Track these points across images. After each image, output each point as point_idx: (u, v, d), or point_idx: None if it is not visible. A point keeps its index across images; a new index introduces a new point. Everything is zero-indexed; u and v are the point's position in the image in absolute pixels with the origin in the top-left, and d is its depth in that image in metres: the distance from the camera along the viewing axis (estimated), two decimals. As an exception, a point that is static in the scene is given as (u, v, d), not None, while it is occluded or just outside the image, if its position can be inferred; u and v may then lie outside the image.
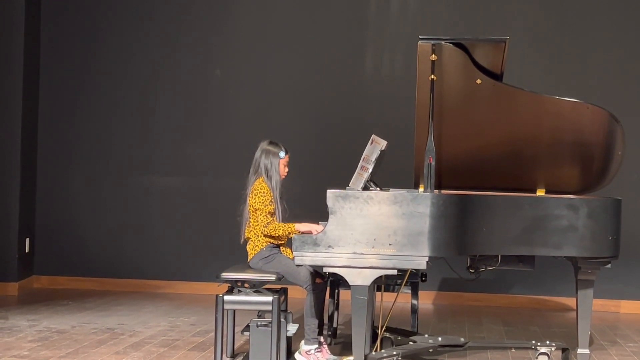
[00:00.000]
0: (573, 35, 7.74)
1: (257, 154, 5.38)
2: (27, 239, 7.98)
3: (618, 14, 7.70)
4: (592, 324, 5.78)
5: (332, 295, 5.91)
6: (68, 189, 8.15)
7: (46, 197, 8.14)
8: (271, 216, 5.28)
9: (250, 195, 5.31)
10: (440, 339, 5.45)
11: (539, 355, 5.36)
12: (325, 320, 5.78)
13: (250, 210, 5.32)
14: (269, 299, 5.08)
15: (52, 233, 8.13)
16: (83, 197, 8.14)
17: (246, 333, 5.20)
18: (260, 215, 5.25)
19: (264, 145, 5.40)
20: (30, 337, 5.94)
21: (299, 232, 5.11)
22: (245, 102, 8.04)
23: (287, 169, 5.42)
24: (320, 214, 5.09)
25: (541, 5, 7.79)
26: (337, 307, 6.01)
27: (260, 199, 5.26)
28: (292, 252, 4.91)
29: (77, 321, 6.52)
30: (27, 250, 7.96)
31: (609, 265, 5.31)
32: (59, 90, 8.17)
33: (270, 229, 5.23)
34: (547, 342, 5.43)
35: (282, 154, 5.36)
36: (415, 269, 5.10)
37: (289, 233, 5.17)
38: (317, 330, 5.26)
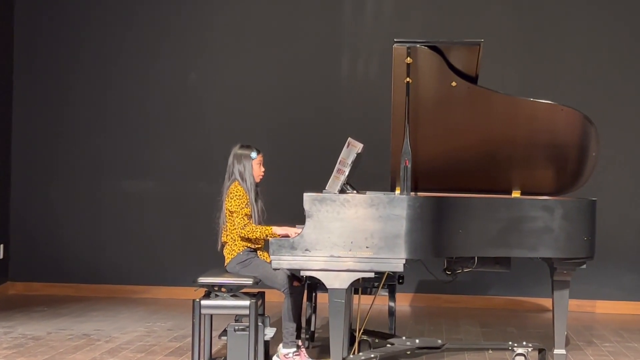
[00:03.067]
0: (547, 38, 7.79)
1: (230, 159, 5.39)
2: (2, 245, 7.91)
3: (591, 16, 7.76)
4: (568, 324, 5.82)
5: (309, 299, 5.91)
6: (43, 193, 8.09)
7: (21, 202, 8.08)
8: (248, 218, 5.27)
9: (227, 199, 5.31)
10: (417, 341, 5.46)
11: (515, 356, 5.38)
12: (303, 324, 5.77)
13: (227, 214, 5.31)
14: (246, 303, 5.07)
15: (27, 239, 8.07)
16: (58, 202, 8.09)
17: (224, 337, 5.18)
18: (237, 217, 5.25)
19: (235, 150, 5.41)
20: (5, 344, 5.88)
21: (277, 235, 5.10)
22: (221, 106, 8.02)
23: (262, 168, 5.42)
24: (297, 217, 5.08)
25: (515, 9, 7.83)
26: (314, 311, 6.00)
27: (237, 201, 5.26)
28: (269, 256, 4.90)
29: (53, 327, 6.47)
30: (1, 256, 7.89)
31: (584, 266, 5.35)
32: (33, 94, 8.11)
33: (248, 231, 5.22)
34: (524, 343, 5.45)
35: (253, 154, 5.37)
36: (393, 272, 5.11)
37: (266, 236, 5.16)
38: (295, 333, 5.26)
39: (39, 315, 6.97)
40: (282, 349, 5.26)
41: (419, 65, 5.05)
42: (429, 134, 5.33)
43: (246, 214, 5.26)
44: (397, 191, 5.38)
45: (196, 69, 8.04)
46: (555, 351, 5.42)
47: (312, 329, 5.98)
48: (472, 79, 5.21)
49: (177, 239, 7.98)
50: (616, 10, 7.73)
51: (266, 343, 5.27)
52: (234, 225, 5.27)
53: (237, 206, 5.25)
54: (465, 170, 5.52)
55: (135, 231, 8.03)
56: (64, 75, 8.10)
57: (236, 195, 5.27)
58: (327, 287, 4.79)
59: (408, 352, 5.41)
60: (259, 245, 5.37)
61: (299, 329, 5.37)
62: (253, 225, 5.26)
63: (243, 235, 5.24)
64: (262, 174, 5.43)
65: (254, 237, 5.23)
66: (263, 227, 5.23)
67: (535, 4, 7.81)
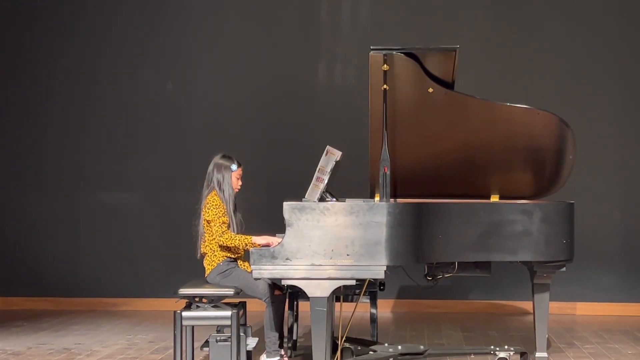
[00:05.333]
0: (522, 42, 7.84)
1: (210, 167, 5.38)
2: (-21, 260, 7.85)
3: (566, 21, 7.82)
4: (549, 327, 5.84)
5: (291, 307, 5.90)
6: (20, 207, 8.03)
7: (-3, 217, 8.03)
8: (226, 227, 5.25)
9: (204, 209, 5.29)
10: (400, 347, 5.47)
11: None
12: (285, 333, 5.75)
13: (204, 224, 5.29)
14: (228, 313, 5.05)
15: (4, 253, 8.00)
16: (36, 214, 8.02)
17: (205, 349, 5.17)
18: (215, 226, 5.23)
19: (216, 159, 5.39)
20: (-15, 360, 5.83)
21: (256, 244, 5.09)
22: (198, 116, 8.01)
23: (240, 182, 5.41)
24: (277, 226, 5.07)
25: (490, 14, 7.88)
26: (296, 319, 5.99)
27: (214, 211, 5.24)
28: (249, 265, 4.89)
29: (33, 342, 6.42)
30: (-21, 272, 7.83)
31: (564, 269, 5.38)
32: (9, 105, 8.06)
33: (226, 239, 5.20)
34: (506, 347, 5.48)
35: (234, 167, 5.35)
36: (374, 279, 5.11)
37: (246, 245, 5.15)
38: (277, 342, 5.25)
39: (18, 330, 6.91)
40: (265, 359, 5.25)
41: (395, 72, 5.06)
42: (407, 141, 5.35)
43: (224, 222, 5.25)
44: (377, 198, 5.39)
45: (174, 79, 8.02)
46: (537, 354, 5.45)
47: (295, 337, 5.97)
48: (449, 85, 5.23)
49: (156, 250, 7.95)
50: (591, 14, 7.79)
51: (248, 353, 5.25)
52: (212, 236, 5.26)
53: (214, 215, 5.24)
54: (443, 176, 5.54)
55: (114, 243, 7.98)
56: (42, 85, 8.05)
57: (213, 205, 5.26)
58: (309, 295, 4.79)
59: (391, 359, 5.42)
60: (239, 255, 5.35)
61: (281, 338, 5.36)
62: (231, 233, 5.25)
63: (221, 242, 5.22)
64: (239, 187, 5.42)
65: (233, 245, 5.21)
66: (242, 235, 5.21)
67: (511, 10, 7.86)
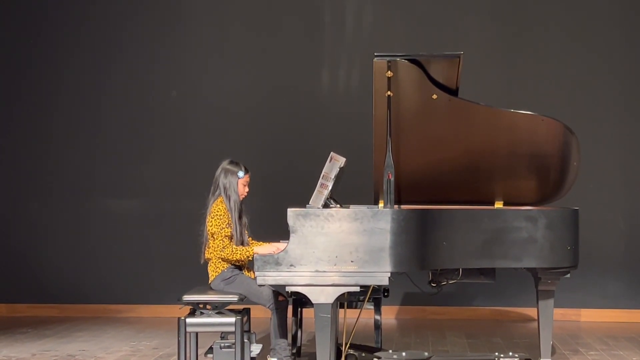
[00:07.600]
0: (526, 49, 7.84)
1: (218, 172, 5.38)
2: (-16, 267, 7.85)
3: (570, 27, 7.82)
4: (554, 334, 5.83)
5: (295, 314, 5.89)
6: (24, 213, 8.04)
7: (1, 223, 8.02)
8: (229, 239, 5.24)
9: (208, 217, 5.29)
10: (404, 354, 5.46)
11: (502, 366, 5.40)
12: (289, 340, 5.74)
13: (208, 233, 5.29)
14: (232, 320, 5.05)
15: (9, 259, 8.01)
16: (40, 221, 8.04)
17: (210, 355, 5.16)
18: (217, 239, 5.22)
19: (224, 164, 5.39)
20: (-11, 367, 5.84)
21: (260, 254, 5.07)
22: (202, 123, 8.02)
23: (247, 189, 5.41)
24: (280, 232, 5.07)
25: (494, 20, 7.89)
26: (300, 326, 5.99)
27: (217, 221, 5.23)
28: (253, 272, 4.88)
29: (38, 349, 6.42)
30: (-17, 279, 7.83)
31: (568, 275, 5.37)
32: (12, 112, 8.07)
33: (227, 253, 5.19)
34: (510, 354, 5.47)
35: (241, 173, 5.35)
36: (378, 285, 5.11)
37: (248, 257, 5.13)
38: (287, 348, 5.24)
39: (23, 336, 6.91)
40: (273, 363, 5.25)
41: (399, 78, 5.06)
42: (411, 147, 5.35)
43: (226, 235, 5.24)
44: (381, 204, 5.38)
45: (177, 86, 8.04)
46: (542, 361, 5.44)
47: (298, 344, 5.96)
48: (453, 91, 5.23)
49: (161, 257, 7.95)
50: (595, 21, 7.80)
51: (252, 359, 5.25)
52: (214, 245, 5.26)
53: (217, 226, 5.23)
54: (448, 182, 5.54)
55: (119, 250, 7.99)
56: (46, 92, 8.07)
57: (217, 215, 5.25)
58: (313, 302, 4.78)
59: (395, 366, 5.41)
60: (243, 264, 5.34)
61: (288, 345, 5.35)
62: (233, 247, 5.23)
63: (223, 257, 5.22)
64: (246, 194, 5.41)
65: (234, 259, 5.20)
66: (244, 248, 5.20)
67: (514, 17, 7.86)
